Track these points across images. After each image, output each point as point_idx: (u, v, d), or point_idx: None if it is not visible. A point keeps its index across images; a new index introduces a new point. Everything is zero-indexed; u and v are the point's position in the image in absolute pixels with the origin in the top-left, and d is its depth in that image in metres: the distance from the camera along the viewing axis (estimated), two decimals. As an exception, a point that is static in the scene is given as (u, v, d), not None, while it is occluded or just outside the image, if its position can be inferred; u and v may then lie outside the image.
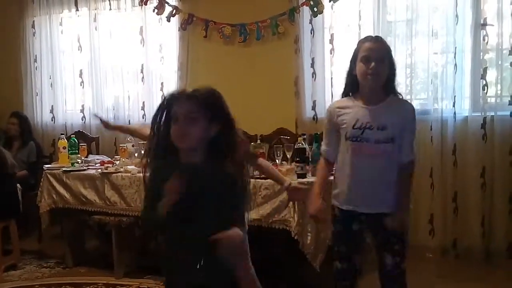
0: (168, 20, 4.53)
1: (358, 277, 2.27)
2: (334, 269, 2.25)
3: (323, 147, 2.28)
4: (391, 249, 2.11)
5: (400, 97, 2.16)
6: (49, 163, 4.12)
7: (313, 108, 4.15)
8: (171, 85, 4.66)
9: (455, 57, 3.66)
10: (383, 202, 2.09)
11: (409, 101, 2.27)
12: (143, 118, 4.76)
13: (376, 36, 2.23)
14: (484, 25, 3.57)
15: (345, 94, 2.20)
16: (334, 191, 2.24)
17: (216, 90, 1.67)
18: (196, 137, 1.56)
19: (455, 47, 3.66)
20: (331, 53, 4.09)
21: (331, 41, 4.08)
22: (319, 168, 2.32)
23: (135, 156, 3.71)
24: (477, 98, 3.66)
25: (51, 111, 5.17)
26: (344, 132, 2.13)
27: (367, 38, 2.14)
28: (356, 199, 2.13)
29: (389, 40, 3.82)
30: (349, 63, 2.15)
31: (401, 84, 3.88)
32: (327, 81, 4.12)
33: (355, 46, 3.89)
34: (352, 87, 2.16)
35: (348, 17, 4.02)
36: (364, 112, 2.09)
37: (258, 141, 3.69)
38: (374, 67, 2.03)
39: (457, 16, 3.63)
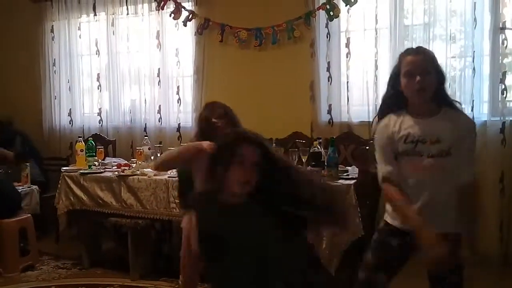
0: (185, 25, 4.56)
1: None
2: (358, 279, 2.12)
3: (385, 168, 2.02)
4: (443, 281, 1.96)
5: (458, 107, 2.02)
6: (67, 166, 4.18)
7: (329, 112, 4.14)
8: (187, 89, 4.70)
9: (473, 61, 3.62)
10: (437, 222, 1.91)
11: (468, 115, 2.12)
12: (159, 121, 4.80)
13: (418, 47, 2.06)
14: (503, 28, 3.52)
15: (388, 111, 2.06)
16: (386, 207, 2.12)
17: None
18: (253, 185, 1.55)
19: (473, 51, 3.62)
20: (347, 57, 4.07)
21: (347, 45, 4.07)
22: (392, 193, 2.01)
23: (151, 159, 3.74)
24: (496, 102, 3.61)
25: (69, 114, 5.24)
26: (396, 147, 2.01)
27: (408, 51, 2.02)
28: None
29: (406, 44, 3.83)
30: (389, 78, 2.05)
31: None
32: (343, 85, 4.11)
33: (373, 51, 3.88)
34: (397, 102, 2.03)
35: (364, 21, 4.00)
36: (416, 125, 1.97)
37: (273, 145, 3.69)
38: (420, 81, 1.91)
39: (475, 19, 3.59)
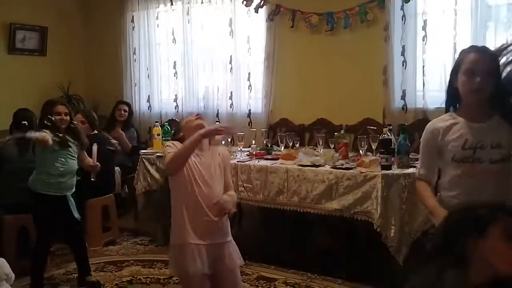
0: (256, 12, 4.61)
1: None
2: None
3: (420, 170, 2.04)
4: None
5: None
6: (145, 149, 4.43)
7: (403, 97, 4.01)
8: (258, 76, 4.76)
9: None
10: None
11: None
12: (230, 107, 4.91)
13: (483, 47, 1.98)
14: None
15: (446, 108, 2.01)
16: None
17: None
18: None
19: None
20: (423, 40, 3.91)
21: (423, 28, 3.90)
22: (421, 188, 2.03)
23: (221, 143, 3.84)
24: None
25: (148, 101, 5.52)
26: (451, 154, 1.92)
27: (472, 48, 1.93)
28: None
29: (489, 26, 3.59)
30: (449, 74, 1.97)
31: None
32: (419, 70, 3.95)
33: (452, 33, 3.65)
34: (453, 101, 1.97)
35: (443, 2, 3.80)
36: (473, 130, 1.89)
37: (342, 131, 3.65)
38: (479, 83, 1.82)
39: None
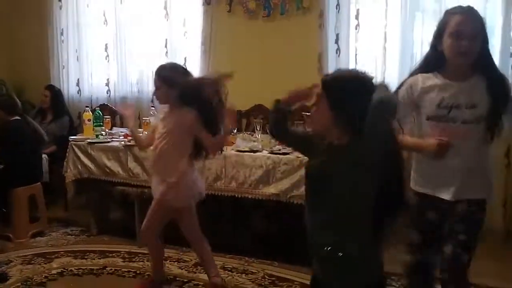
0: (193, -6, 4.51)
1: (433, 272, 2.02)
2: (407, 262, 2.05)
3: (401, 119, 1.97)
4: (454, 238, 1.86)
5: (497, 70, 1.91)
6: (75, 135, 4.23)
7: (336, 84, 4.10)
8: (195, 60, 4.68)
9: (485, 35, 3.54)
10: (469, 189, 1.86)
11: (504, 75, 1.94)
12: (166, 92, 4.79)
13: (468, 7, 1.88)
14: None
15: (427, 70, 1.95)
16: (413, 174, 2.02)
17: None
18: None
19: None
20: (356, 29, 4.02)
21: (356, 17, 4.00)
22: (406, 137, 1.99)
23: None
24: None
25: (77, 84, 5.26)
26: (426, 111, 1.91)
27: (457, 9, 1.86)
28: (437, 184, 1.91)
29: (416, 16, 3.76)
30: (432, 37, 1.92)
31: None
32: (352, 58, 4.06)
33: (382, 23, 3.71)
34: (436, 63, 1.92)
35: (374, -8, 3.93)
36: (451, 89, 1.86)
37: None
38: (466, 45, 1.79)
39: (488, -8, 3.50)
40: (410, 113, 2.01)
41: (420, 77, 1.96)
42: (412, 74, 2.02)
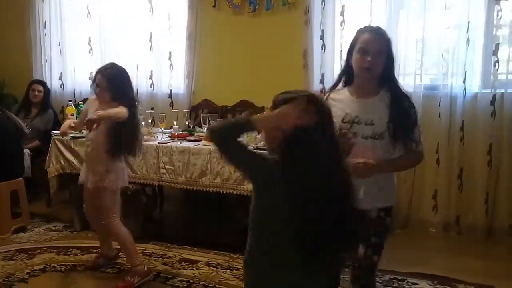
0: (177, -12, 4.47)
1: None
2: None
3: None
4: (366, 241, 1.99)
5: (399, 89, 2.00)
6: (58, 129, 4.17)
7: (321, 81, 4.12)
8: (180, 55, 4.65)
9: (467, 32, 3.59)
10: (368, 199, 1.93)
11: (407, 93, 2.04)
12: (151, 87, 4.77)
13: (377, 27, 2.05)
14: (499, 0, 3.49)
15: (338, 82, 2.09)
16: None
17: None
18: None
19: (468, 22, 3.59)
20: (341, 25, 4.03)
21: (342, 13, 4.01)
22: None
23: (142, 125, 3.73)
24: (488, 74, 3.62)
25: (60, 78, 5.18)
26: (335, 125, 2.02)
27: (367, 29, 2.01)
28: None
29: (401, 14, 3.79)
30: (346, 53, 2.04)
31: (412, 59, 3.85)
32: (337, 54, 4.07)
33: (367, 19, 3.76)
34: (348, 77, 2.05)
35: (360, -11, 3.94)
36: (354, 105, 1.99)
37: (264, 113, 3.68)
38: (370, 62, 1.92)
39: (471, -11, 3.54)
40: None
41: (332, 93, 2.10)
42: (331, 87, 2.14)
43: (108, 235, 3.09)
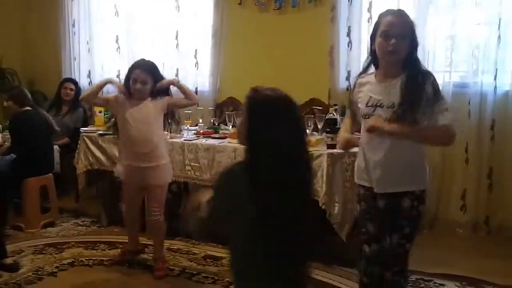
0: (203, -14, 4.49)
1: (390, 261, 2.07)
2: (362, 254, 2.13)
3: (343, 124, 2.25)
4: (400, 231, 2.01)
5: (415, 68, 1.96)
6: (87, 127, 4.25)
7: (347, 78, 4.07)
8: (206, 53, 4.67)
9: (499, 29, 3.50)
10: (395, 183, 1.99)
11: (432, 72, 2.03)
12: (176, 84, 4.80)
13: (399, 10, 2.05)
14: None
15: (366, 68, 2.10)
16: (356, 168, 2.17)
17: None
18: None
19: (500, 19, 3.49)
20: (368, 22, 3.96)
21: (369, 10, 3.96)
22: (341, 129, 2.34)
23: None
24: (520, 72, 3.52)
25: (88, 76, 5.28)
26: (360, 110, 2.07)
27: (389, 12, 1.99)
28: (371, 179, 2.05)
29: (430, 10, 3.71)
30: (369, 38, 2.04)
31: (441, 56, 3.78)
32: (363, 51, 4.01)
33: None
34: (374, 62, 2.05)
35: (387, -15, 3.88)
36: (377, 89, 2.00)
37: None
38: (393, 44, 1.91)
39: (504, -15, 3.45)
40: (357, 112, 2.13)
41: (359, 78, 2.12)
42: (359, 74, 2.16)
43: (155, 231, 3.06)
